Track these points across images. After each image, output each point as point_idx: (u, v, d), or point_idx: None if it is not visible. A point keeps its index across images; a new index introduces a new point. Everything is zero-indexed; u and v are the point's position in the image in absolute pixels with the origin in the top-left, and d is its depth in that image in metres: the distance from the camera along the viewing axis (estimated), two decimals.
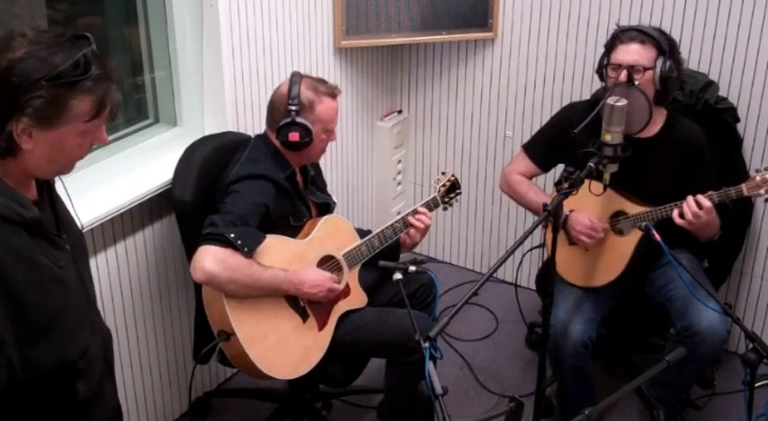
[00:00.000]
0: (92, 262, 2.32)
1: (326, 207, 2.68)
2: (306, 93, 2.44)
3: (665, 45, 2.58)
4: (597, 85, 2.80)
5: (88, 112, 1.48)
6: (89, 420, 1.67)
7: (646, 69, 2.55)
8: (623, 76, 2.53)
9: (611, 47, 2.62)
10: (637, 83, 2.53)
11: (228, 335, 2.29)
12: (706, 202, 2.49)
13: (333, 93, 2.49)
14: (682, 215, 2.53)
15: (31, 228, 1.49)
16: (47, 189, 1.62)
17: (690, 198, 2.51)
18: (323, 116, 2.46)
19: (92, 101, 1.47)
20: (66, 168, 1.57)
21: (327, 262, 2.53)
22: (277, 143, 2.48)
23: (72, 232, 1.67)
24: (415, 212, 2.69)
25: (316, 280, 2.41)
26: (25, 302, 1.46)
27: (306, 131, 2.43)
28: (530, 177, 2.95)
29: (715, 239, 2.67)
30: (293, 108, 2.42)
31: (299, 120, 2.42)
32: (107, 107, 1.51)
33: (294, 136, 2.42)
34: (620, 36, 2.60)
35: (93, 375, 1.65)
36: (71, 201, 1.71)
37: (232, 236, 2.23)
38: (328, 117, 2.48)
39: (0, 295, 1.43)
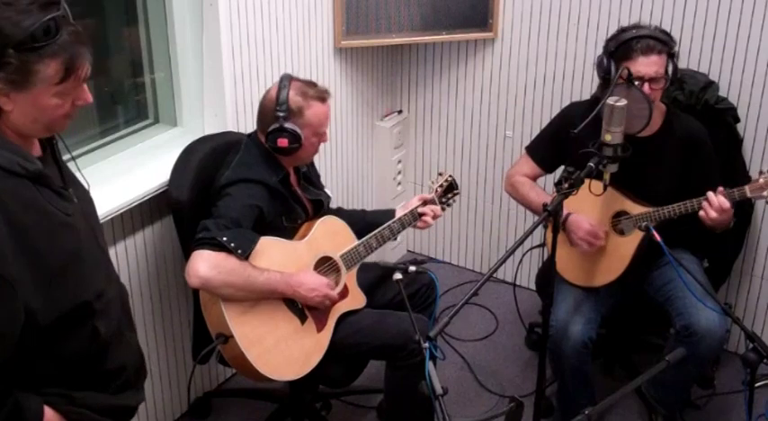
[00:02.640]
0: None
1: (321, 203, 2.66)
2: (294, 98, 2.41)
3: (672, 47, 2.58)
4: (597, 84, 2.79)
5: (56, 75, 1.51)
6: (112, 359, 1.74)
7: (664, 77, 2.56)
8: (624, 75, 2.52)
9: (625, 56, 2.55)
10: (650, 90, 2.52)
11: (227, 337, 2.29)
12: (725, 203, 2.49)
13: (322, 96, 2.46)
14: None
15: (35, 180, 1.55)
16: (50, 147, 1.69)
17: (711, 195, 2.50)
18: (312, 121, 2.43)
19: (58, 64, 1.50)
20: (54, 126, 1.61)
21: (325, 263, 2.53)
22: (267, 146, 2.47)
23: (78, 188, 1.74)
24: (418, 211, 2.72)
25: (313, 283, 2.40)
26: (39, 248, 1.53)
27: (294, 137, 2.41)
28: (534, 178, 2.93)
29: (730, 227, 2.66)
30: (281, 114, 2.39)
31: (287, 125, 2.39)
32: (76, 69, 1.53)
33: (283, 142, 2.40)
34: (635, 46, 2.54)
35: (112, 317, 1.72)
36: (76, 164, 1.78)
37: (225, 239, 2.22)
38: (318, 121, 2.45)
39: (15, 242, 1.49)
